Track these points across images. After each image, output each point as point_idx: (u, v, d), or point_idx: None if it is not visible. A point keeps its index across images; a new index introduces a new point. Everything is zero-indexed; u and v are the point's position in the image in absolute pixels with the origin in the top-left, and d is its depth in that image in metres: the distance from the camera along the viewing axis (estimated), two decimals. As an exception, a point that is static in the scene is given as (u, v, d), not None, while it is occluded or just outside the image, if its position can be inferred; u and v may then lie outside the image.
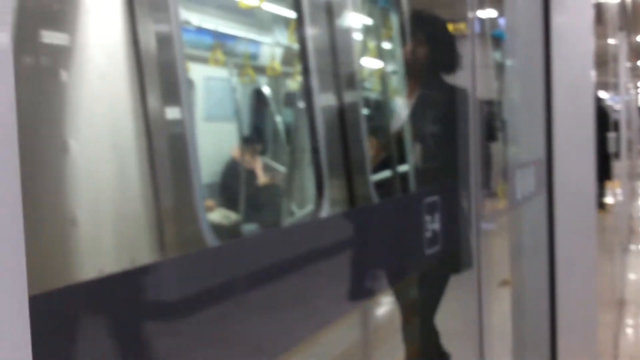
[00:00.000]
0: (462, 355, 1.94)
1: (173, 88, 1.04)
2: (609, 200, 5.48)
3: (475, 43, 1.91)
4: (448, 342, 1.97)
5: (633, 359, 4.50)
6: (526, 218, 2.64)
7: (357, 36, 3.03)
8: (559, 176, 2.60)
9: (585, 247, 2.57)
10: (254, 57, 6.33)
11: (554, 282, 2.66)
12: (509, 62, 3.02)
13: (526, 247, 2.72)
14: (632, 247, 8.35)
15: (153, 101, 0.98)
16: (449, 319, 2.06)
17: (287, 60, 6.37)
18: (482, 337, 1.81)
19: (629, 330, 5.22)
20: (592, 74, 2.61)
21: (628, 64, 8.67)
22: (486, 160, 1.94)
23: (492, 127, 2.51)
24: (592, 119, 2.58)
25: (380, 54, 3.42)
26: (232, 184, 5.88)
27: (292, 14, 5.23)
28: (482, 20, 2.21)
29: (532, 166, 2.54)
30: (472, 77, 1.90)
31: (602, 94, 5.30)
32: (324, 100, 1.83)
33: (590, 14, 2.59)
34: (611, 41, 4.99)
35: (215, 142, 6.10)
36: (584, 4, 2.60)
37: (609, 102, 6.07)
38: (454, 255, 1.79)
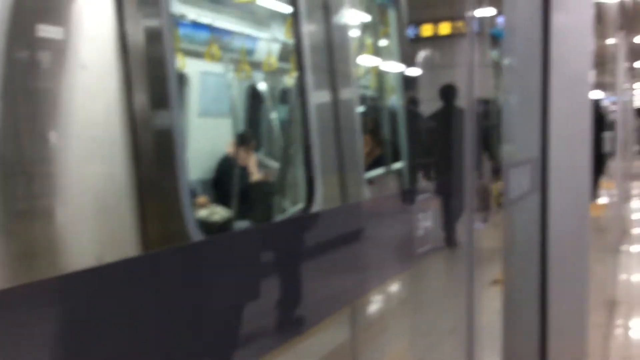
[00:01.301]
0: (452, 352, 1.94)
1: (161, 83, 1.02)
2: (602, 200, 5.50)
3: (474, 42, 1.90)
4: (439, 341, 1.96)
5: (622, 357, 4.51)
6: (519, 216, 2.64)
7: (354, 33, 3.01)
8: (553, 175, 2.60)
9: (578, 246, 2.57)
10: (250, 52, 6.29)
11: (545, 281, 2.66)
12: (506, 61, 3.01)
13: (519, 245, 2.72)
14: (624, 247, 8.37)
15: (139, 95, 0.97)
16: (441, 318, 2.05)
17: (283, 56, 6.34)
18: (471, 335, 1.81)
19: (620, 331, 5.23)
20: (591, 73, 2.61)
21: (626, 65, 8.69)
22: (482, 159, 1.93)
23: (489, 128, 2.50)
24: (588, 118, 2.58)
25: (377, 52, 3.40)
26: (226, 181, 5.86)
27: (288, 9, 5.21)
28: (480, 19, 2.20)
29: (527, 165, 2.54)
30: (470, 75, 1.89)
31: (599, 94, 5.31)
32: (319, 97, 1.81)
33: (590, 14, 2.59)
34: (610, 41, 5.00)
35: (209, 138, 6.07)
36: (585, 3, 2.60)
37: (605, 103, 6.08)
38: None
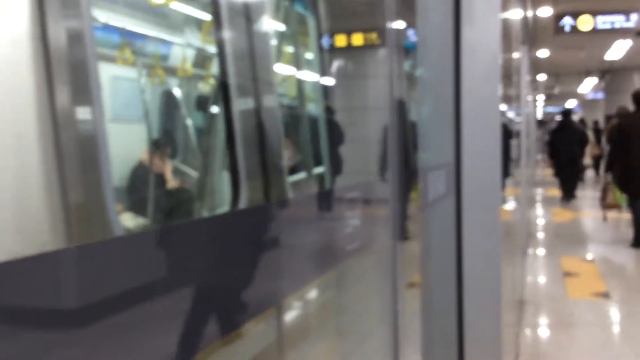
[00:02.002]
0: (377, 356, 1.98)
1: (84, 86, 1.02)
2: (509, 206, 5.76)
3: (394, 53, 1.96)
4: (365, 345, 2.00)
5: (532, 356, 4.74)
6: (436, 220, 2.73)
7: (274, 41, 3.04)
8: (466, 179, 2.70)
9: (491, 248, 2.69)
10: (164, 57, 6.20)
11: (461, 283, 2.76)
12: (420, 72, 3.12)
13: (435, 248, 2.81)
14: (530, 250, 8.80)
15: (62, 99, 0.95)
16: (365, 321, 2.09)
17: (199, 62, 6.29)
18: (397, 339, 1.85)
19: (528, 330, 5.49)
20: (499, 84, 2.73)
21: (528, 77, 9.16)
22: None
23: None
24: (498, 126, 2.70)
25: (297, 60, 3.44)
26: (140, 188, 5.73)
27: (207, 16, 5.17)
28: (397, 31, 2.27)
29: (443, 169, 2.63)
30: (391, 85, 1.95)
31: (504, 106, 5.59)
32: (241, 103, 1.82)
33: (498, 28, 2.72)
34: (515, 55, 5.25)
35: (122, 144, 5.93)
36: (492, 19, 2.72)
37: (509, 114, 6.38)
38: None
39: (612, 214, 10.15)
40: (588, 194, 15.41)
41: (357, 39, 2.99)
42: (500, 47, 2.82)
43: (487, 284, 2.67)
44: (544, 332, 5.62)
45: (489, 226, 2.69)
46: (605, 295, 6.44)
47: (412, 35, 2.97)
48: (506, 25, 4.25)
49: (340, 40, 3.13)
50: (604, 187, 9.16)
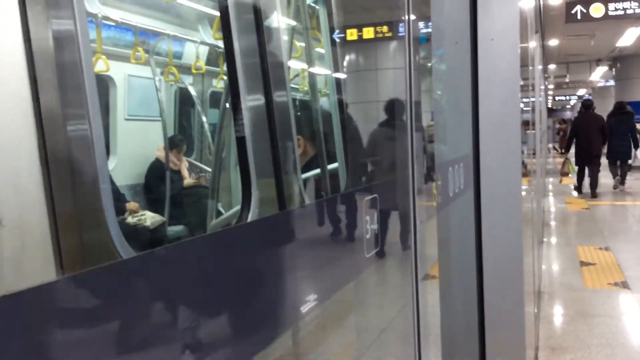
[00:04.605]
0: (399, 351, 1.98)
1: (74, 86, 0.98)
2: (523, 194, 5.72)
3: (412, 46, 1.96)
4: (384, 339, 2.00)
5: (551, 347, 4.72)
6: (454, 213, 2.72)
7: (284, 35, 3.03)
8: (486, 172, 2.70)
9: (512, 239, 2.68)
10: (177, 55, 6.20)
11: (482, 275, 2.75)
12: (435, 64, 3.10)
13: (454, 241, 2.81)
14: (544, 239, 8.76)
15: (48, 100, 0.93)
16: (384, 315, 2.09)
17: (212, 59, 6.29)
18: (419, 333, 1.86)
19: (545, 320, 5.47)
20: (518, 74, 2.72)
21: (540, 66, 9.09)
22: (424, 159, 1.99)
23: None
24: (518, 117, 2.69)
25: (308, 54, 3.43)
26: (157, 186, 5.76)
27: (217, 12, 5.16)
28: (413, 24, 2.26)
29: (461, 163, 2.63)
30: (409, 79, 1.95)
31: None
32: (252, 100, 1.81)
33: (516, 17, 2.70)
34: (531, 44, 5.22)
35: (138, 141, 5.95)
36: (511, 8, 2.71)
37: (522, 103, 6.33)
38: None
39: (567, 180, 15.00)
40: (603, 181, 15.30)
41: (373, 32, 2.97)
42: (518, 37, 2.80)
43: (509, 275, 2.66)
44: (558, 322, 5.61)
45: (510, 218, 2.68)
46: (624, 284, 6.41)
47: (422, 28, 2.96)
48: (522, 14, 4.22)
49: (355, 34, 3.11)
50: (564, 161, 14.16)
